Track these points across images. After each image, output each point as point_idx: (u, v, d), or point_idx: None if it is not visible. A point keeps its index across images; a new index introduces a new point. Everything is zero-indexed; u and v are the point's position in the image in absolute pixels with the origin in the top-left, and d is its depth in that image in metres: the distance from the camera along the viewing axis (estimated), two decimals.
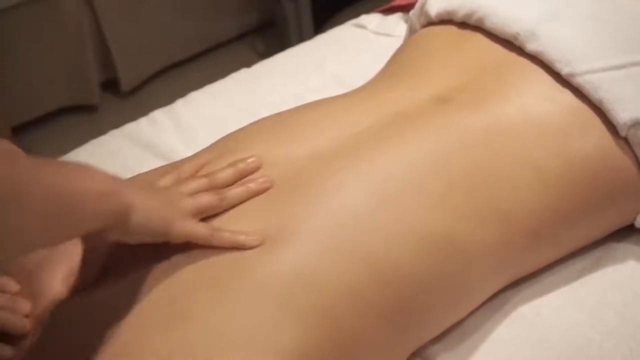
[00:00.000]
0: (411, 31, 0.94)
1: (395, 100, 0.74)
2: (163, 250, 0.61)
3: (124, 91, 2.03)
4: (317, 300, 0.59)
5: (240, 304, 0.57)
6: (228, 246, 0.61)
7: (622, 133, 0.71)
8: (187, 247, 0.61)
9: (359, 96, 0.79)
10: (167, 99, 1.10)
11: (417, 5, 0.91)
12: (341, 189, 0.65)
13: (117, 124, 1.07)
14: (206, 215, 0.64)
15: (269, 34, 2.18)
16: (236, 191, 0.65)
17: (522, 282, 0.75)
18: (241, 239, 0.61)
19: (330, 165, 0.67)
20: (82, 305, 0.61)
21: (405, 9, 1.18)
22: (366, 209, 0.64)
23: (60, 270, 0.59)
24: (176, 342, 0.55)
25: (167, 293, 0.59)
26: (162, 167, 0.76)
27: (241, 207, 0.65)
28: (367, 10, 1.26)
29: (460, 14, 0.82)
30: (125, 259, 0.62)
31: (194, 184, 0.66)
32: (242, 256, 0.60)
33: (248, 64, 1.17)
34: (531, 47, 0.75)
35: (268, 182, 0.66)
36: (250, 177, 0.67)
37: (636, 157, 0.72)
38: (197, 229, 0.61)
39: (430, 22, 0.87)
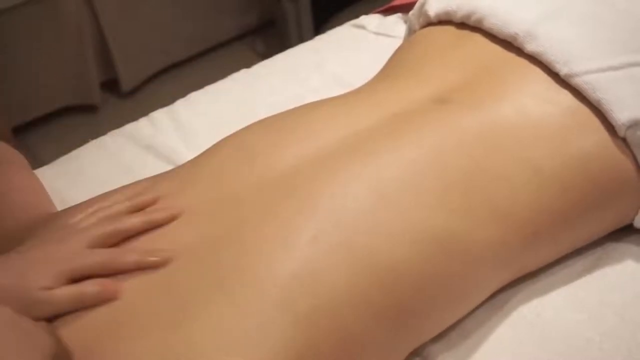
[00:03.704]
0: (410, 31, 0.94)
1: (394, 100, 0.74)
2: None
3: (124, 91, 2.03)
4: (317, 299, 0.59)
5: (239, 304, 0.57)
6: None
7: (621, 133, 0.71)
8: (190, 247, 0.62)
9: (358, 96, 0.79)
10: (167, 99, 1.10)
11: (417, 6, 0.91)
12: (341, 189, 0.65)
13: (117, 124, 1.07)
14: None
15: (269, 34, 2.18)
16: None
17: (522, 282, 0.75)
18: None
19: (330, 165, 0.67)
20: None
21: (404, 9, 1.18)
22: (366, 209, 0.64)
23: None
24: (174, 342, 0.55)
25: (169, 293, 0.59)
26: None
27: (245, 206, 0.65)
28: (367, 11, 1.26)
29: (459, 15, 0.82)
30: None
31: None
32: (244, 256, 0.60)
33: (248, 64, 1.17)
34: (530, 47, 0.75)
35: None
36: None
37: (634, 157, 0.72)
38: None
39: (430, 23, 0.87)
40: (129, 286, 0.60)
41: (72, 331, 0.58)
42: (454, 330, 0.71)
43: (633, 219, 0.77)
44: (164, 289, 0.59)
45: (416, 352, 0.69)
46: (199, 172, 0.71)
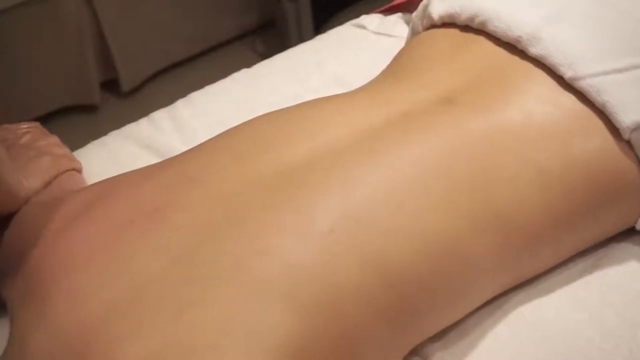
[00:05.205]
0: (413, 33, 0.94)
1: (400, 100, 0.74)
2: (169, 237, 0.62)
3: (124, 91, 2.03)
4: (322, 293, 0.59)
5: (243, 297, 0.57)
6: None
7: (625, 136, 0.71)
8: (195, 236, 0.62)
9: (364, 94, 0.79)
10: (167, 99, 1.10)
11: (420, 7, 0.91)
12: (348, 186, 0.65)
13: (117, 124, 1.07)
14: None
15: (269, 34, 2.18)
16: None
17: (522, 282, 0.75)
18: None
19: (342, 162, 0.67)
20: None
21: (405, 8, 1.18)
22: (375, 209, 0.64)
23: None
24: (176, 328, 0.55)
25: (172, 282, 0.59)
26: None
27: (265, 191, 0.65)
28: (367, 10, 1.26)
29: (462, 17, 0.82)
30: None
31: None
32: (249, 251, 0.60)
33: (248, 64, 1.16)
34: (534, 50, 0.75)
35: None
36: None
37: (638, 160, 0.72)
38: None
39: (433, 25, 0.87)
40: (134, 266, 0.61)
41: (72, 317, 0.59)
42: (453, 329, 0.71)
43: (636, 222, 0.76)
44: (175, 266, 0.60)
45: (415, 351, 0.69)
46: (218, 154, 0.71)
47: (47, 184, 0.83)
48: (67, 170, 0.88)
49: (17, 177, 0.77)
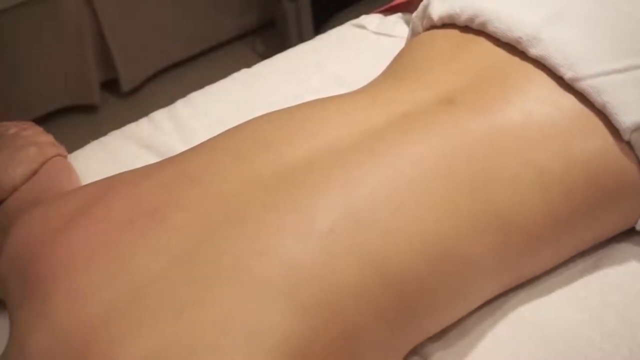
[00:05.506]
0: (413, 33, 0.94)
1: (401, 100, 0.74)
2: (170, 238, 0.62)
3: (124, 91, 2.03)
4: (320, 295, 0.59)
5: (243, 297, 0.57)
6: None
7: (625, 137, 0.71)
8: (195, 236, 0.62)
9: (365, 95, 0.79)
10: (167, 99, 1.10)
11: (420, 8, 0.91)
12: (348, 186, 0.65)
13: (117, 124, 1.07)
14: None
15: (269, 34, 2.18)
16: None
17: (522, 282, 0.75)
18: None
19: (342, 161, 0.67)
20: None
21: (405, 8, 1.18)
22: (371, 207, 0.64)
23: None
24: (176, 328, 0.55)
25: (172, 282, 0.59)
26: None
27: (265, 191, 0.65)
28: (367, 11, 1.26)
29: (462, 18, 0.81)
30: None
31: None
32: (249, 251, 0.60)
33: (248, 64, 1.16)
34: (534, 51, 0.75)
35: None
36: None
37: (639, 160, 0.72)
38: None
39: (433, 25, 0.87)
40: (134, 266, 0.60)
41: (72, 317, 0.59)
42: (453, 329, 0.71)
43: (636, 222, 0.76)
44: (175, 266, 0.60)
45: (415, 351, 0.70)
46: (218, 154, 0.71)
47: (35, 172, 0.86)
48: (53, 157, 0.91)
49: (4, 167, 0.82)
